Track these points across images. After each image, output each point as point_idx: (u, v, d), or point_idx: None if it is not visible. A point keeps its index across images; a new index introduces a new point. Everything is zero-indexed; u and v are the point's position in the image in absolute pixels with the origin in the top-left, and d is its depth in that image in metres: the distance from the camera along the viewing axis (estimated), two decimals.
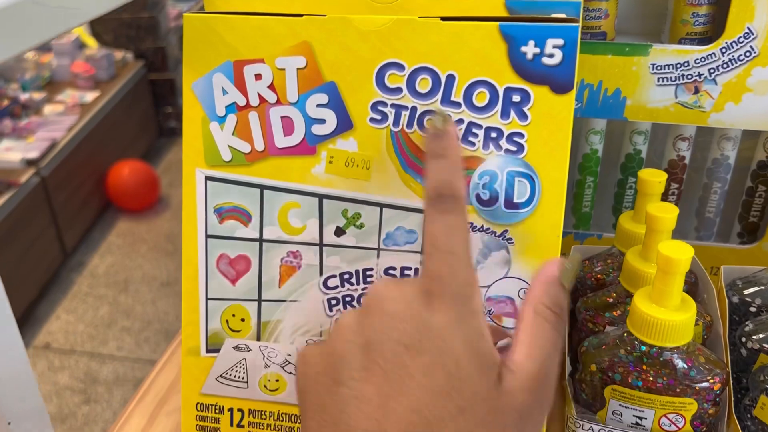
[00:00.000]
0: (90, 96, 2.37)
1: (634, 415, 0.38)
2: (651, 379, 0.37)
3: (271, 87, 0.38)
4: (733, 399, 0.38)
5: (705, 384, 0.36)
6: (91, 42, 2.59)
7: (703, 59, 0.45)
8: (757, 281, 0.43)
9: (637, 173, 0.51)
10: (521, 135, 0.36)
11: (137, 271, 2.22)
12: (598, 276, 0.46)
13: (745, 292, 0.43)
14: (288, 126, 0.38)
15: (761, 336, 0.39)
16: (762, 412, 0.36)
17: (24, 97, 2.28)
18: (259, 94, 0.38)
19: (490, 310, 0.38)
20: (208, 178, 0.40)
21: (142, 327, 2.00)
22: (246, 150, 0.39)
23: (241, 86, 0.38)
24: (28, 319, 1.97)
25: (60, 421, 1.71)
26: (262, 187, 0.39)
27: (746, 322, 0.41)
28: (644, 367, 0.37)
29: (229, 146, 0.39)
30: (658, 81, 0.46)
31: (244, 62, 0.38)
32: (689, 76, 0.46)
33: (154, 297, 2.11)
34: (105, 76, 2.47)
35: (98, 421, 1.71)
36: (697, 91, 0.46)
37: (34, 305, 2.01)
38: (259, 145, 0.39)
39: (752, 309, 0.42)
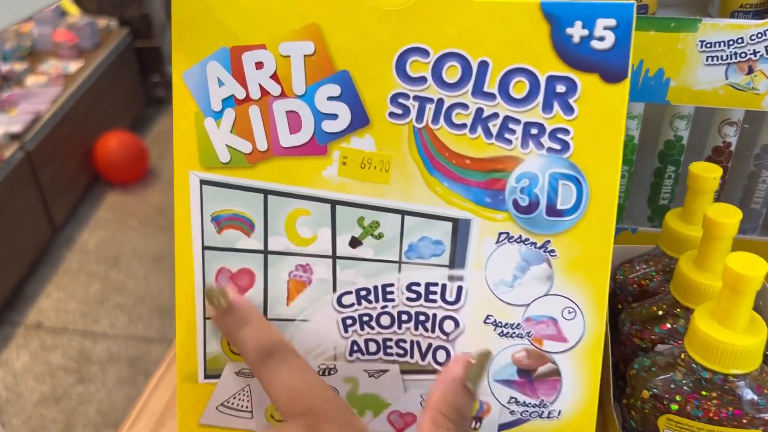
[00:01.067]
0: (73, 66, 2.28)
1: None
2: (714, 409, 0.32)
3: (275, 77, 0.33)
4: None
5: None
6: (73, 9, 2.49)
7: (759, 35, 0.40)
8: None
9: (678, 162, 0.46)
10: (566, 131, 0.31)
11: (128, 246, 2.17)
12: (642, 282, 0.41)
13: None
14: (294, 122, 0.33)
15: None
16: None
17: (5, 68, 2.19)
18: (260, 86, 0.33)
19: (529, 332, 0.33)
20: (203, 182, 0.34)
21: (135, 303, 1.96)
22: (247, 150, 0.34)
23: (240, 76, 0.33)
24: (17, 297, 1.93)
25: (54, 402, 1.68)
26: (266, 192, 0.34)
27: None
28: (705, 394, 0.32)
29: (227, 146, 0.34)
30: (707, 60, 0.41)
31: (243, 48, 0.32)
32: (742, 55, 0.41)
33: (147, 272, 2.07)
34: (88, 45, 2.38)
35: (93, 401, 1.68)
36: (750, 71, 0.41)
37: (23, 283, 1.96)
38: (262, 145, 0.34)
39: None
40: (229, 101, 0.33)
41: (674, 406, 0.33)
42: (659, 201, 0.49)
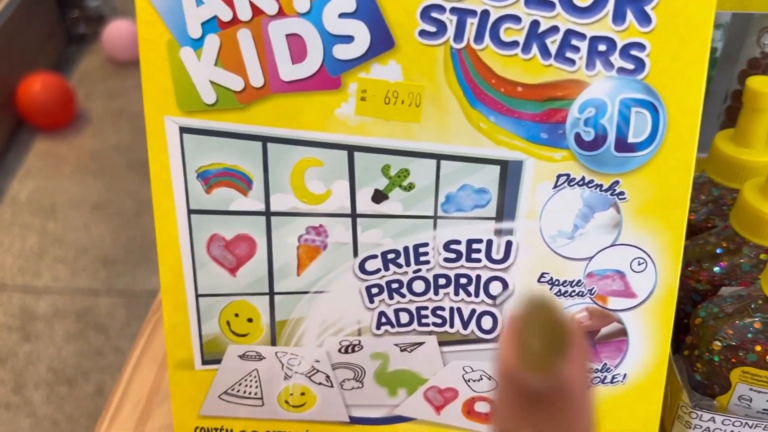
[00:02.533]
0: None
1: (765, 402, 0.30)
2: None
3: None
4: None
5: None
6: None
7: None
8: None
9: (710, 78, 0.41)
10: (642, 46, 0.25)
11: (63, 195, 2.04)
12: (689, 216, 0.36)
13: None
14: (298, 48, 0.26)
15: None
16: None
17: None
18: (250, 2, 0.26)
19: (591, 290, 0.28)
20: (183, 130, 0.27)
21: (77, 255, 1.86)
22: (237, 87, 0.27)
23: None
24: None
25: (0, 363, 1.59)
26: (265, 139, 0.27)
27: None
28: None
29: (211, 82, 0.27)
30: None
31: None
32: None
33: (86, 222, 1.96)
34: None
35: (42, 358, 1.60)
36: None
37: None
38: (256, 79, 0.27)
39: None
40: (212, 24, 0.26)
41: (752, 357, 0.29)
42: None
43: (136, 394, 0.37)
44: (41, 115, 2.17)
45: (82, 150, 2.18)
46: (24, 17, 2.21)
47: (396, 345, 0.30)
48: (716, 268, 0.33)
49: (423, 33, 0.26)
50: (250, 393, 0.31)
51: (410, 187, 0.27)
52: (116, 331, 1.64)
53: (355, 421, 0.31)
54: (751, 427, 0.31)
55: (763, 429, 0.31)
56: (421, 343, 0.30)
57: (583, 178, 0.27)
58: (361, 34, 0.26)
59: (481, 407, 0.30)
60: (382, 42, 0.26)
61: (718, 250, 0.33)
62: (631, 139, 0.26)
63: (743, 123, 0.34)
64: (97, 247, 1.86)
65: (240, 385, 0.31)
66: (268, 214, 0.28)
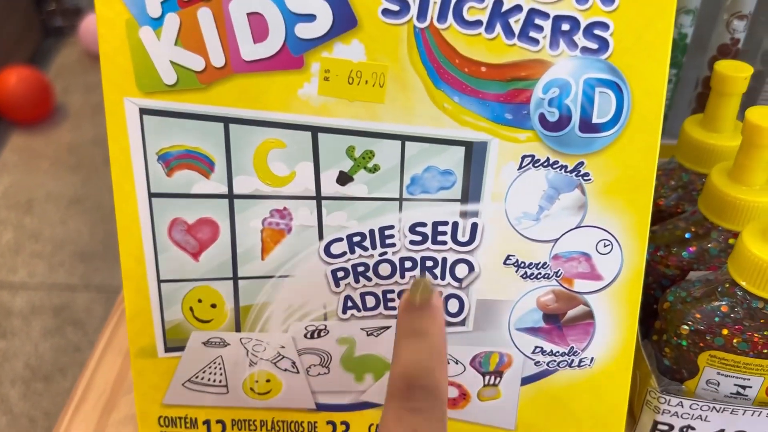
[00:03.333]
0: None
1: (735, 384, 0.30)
2: (763, 341, 0.28)
3: None
4: None
5: None
6: None
7: None
8: None
9: (680, 64, 0.41)
10: (605, 26, 0.25)
11: (40, 189, 2.02)
12: (657, 200, 0.37)
13: None
14: (259, 27, 0.26)
15: None
16: None
17: None
18: None
19: (557, 272, 0.28)
20: (144, 111, 0.27)
21: (54, 250, 1.84)
22: (198, 67, 0.26)
23: None
24: None
25: None
26: (227, 120, 0.27)
27: None
28: (754, 326, 0.28)
29: (171, 62, 0.26)
30: None
31: None
32: None
33: (63, 216, 1.93)
34: None
35: (18, 355, 1.58)
36: None
37: None
38: (218, 59, 0.26)
39: None
40: (172, 3, 0.26)
41: (719, 341, 0.29)
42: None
43: (101, 385, 0.37)
44: (17, 109, 2.14)
45: (59, 144, 2.16)
46: (0, 10, 2.18)
47: (362, 329, 0.29)
48: (685, 253, 0.33)
49: (386, 12, 0.25)
50: (214, 380, 0.30)
51: (375, 168, 0.27)
52: (94, 326, 1.62)
53: (321, 408, 0.31)
54: (718, 411, 0.31)
55: (731, 413, 0.31)
56: (387, 327, 0.29)
57: (547, 159, 0.27)
58: (324, 13, 0.25)
59: (449, 392, 0.30)
60: (345, 21, 0.25)
61: (687, 235, 0.33)
62: (595, 120, 0.26)
63: (711, 108, 0.34)
64: (74, 242, 1.84)
65: (204, 372, 0.30)
66: (231, 197, 0.28)
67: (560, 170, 0.27)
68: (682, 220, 0.34)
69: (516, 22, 0.25)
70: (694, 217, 0.33)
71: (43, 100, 2.19)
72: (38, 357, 1.56)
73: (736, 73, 0.33)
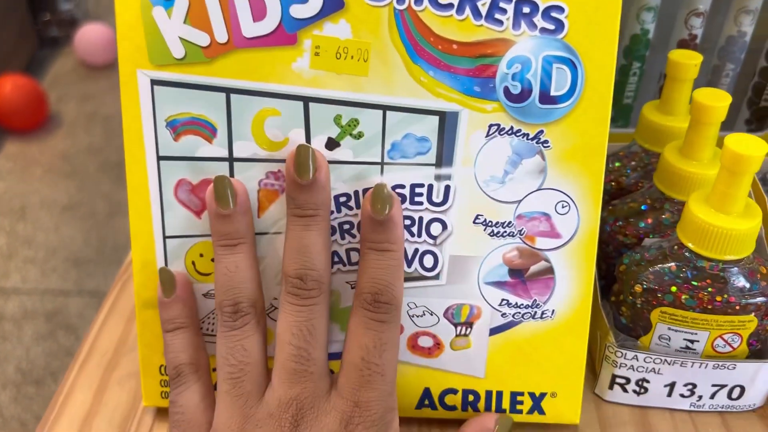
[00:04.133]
0: None
1: (684, 339, 0.34)
2: (707, 297, 0.32)
3: None
4: None
5: (764, 299, 0.32)
6: None
7: None
8: None
9: (643, 58, 0.45)
10: (561, 9, 0.29)
11: (34, 196, 2.04)
12: (619, 179, 0.40)
13: None
14: (258, 7, 0.29)
15: None
16: None
17: None
18: None
19: (521, 230, 0.32)
20: (154, 82, 0.30)
21: (47, 256, 1.85)
22: (204, 42, 0.30)
23: None
24: None
25: None
26: (229, 91, 0.30)
27: None
28: (698, 283, 0.32)
29: (180, 38, 0.30)
30: None
31: None
32: None
33: (57, 223, 1.95)
34: None
35: (10, 358, 1.59)
36: None
37: None
38: (221, 36, 0.30)
39: None
40: None
41: (669, 297, 0.33)
42: (623, 100, 0.47)
43: (103, 346, 0.40)
44: (12, 117, 2.17)
45: (53, 152, 2.18)
46: None
47: (347, 282, 0.33)
48: (641, 224, 0.37)
49: None
50: (213, 330, 0.33)
51: (360, 135, 0.31)
52: (86, 331, 1.64)
53: None
54: (669, 364, 0.34)
55: (681, 365, 0.34)
56: None
57: (511, 128, 0.30)
58: None
59: (424, 342, 0.33)
60: (334, 3, 0.29)
61: (643, 207, 0.37)
62: (553, 93, 0.30)
63: (666, 92, 0.38)
64: (67, 248, 1.86)
65: (204, 323, 0.33)
66: (231, 159, 0.31)
67: (523, 138, 0.30)
68: (640, 195, 0.38)
69: (483, 5, 0.29)
70: (650, 191, 0.37)
71: (37, 109, 2.22)
72: (30, 361, 1.58)
73: (687, 60, 0.36)
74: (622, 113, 0.48)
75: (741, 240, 0.31)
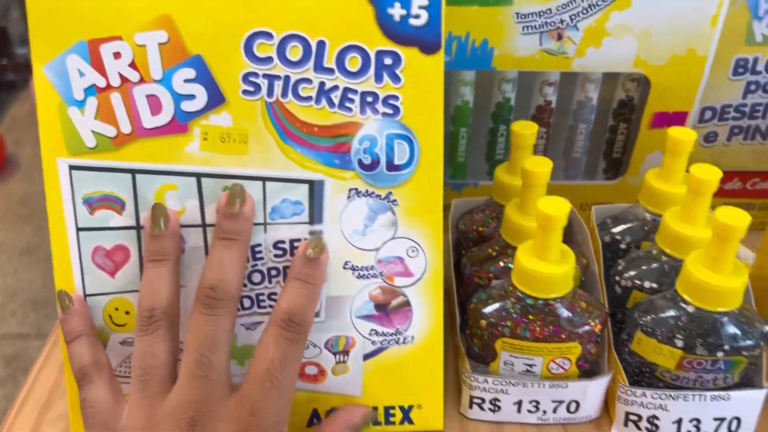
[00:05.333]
0: None
1: (524, 363, 0.41)
2: (538, 329, 0.39)
3: (133, 65, 0.36)
4: (611, 335, 0.42)
5: (587, 327, 0.39)
6: None
7: (564, 6, 0.47)
8: (625, 218, 0.46)
9: (508, 121, 0.53)
10: (396, 97, 0.36)
11: None
12: (479, 229, 0.48)
13: (614, 230, 0.46)
14: (155, 105, 0.36)
15: (632, 273, 0.43)
16: (639, 346, 0.40)
17: None
18: (119, 74, 0.36)
19: (381, 272, 0.39)
20: (72, 168, 0.37)
21: (6, 300, 1.87)
22: (111, 134, 0.36)
23: (99, 66, 0.35)
24: None
25: None
26: (134, 172, 0.37)
27: (618, 261, 0.44)
28: (531, 318, 0.39)
29: (92, 131, 0.36)
30: (523, 30, 0.47)
31: (100, 41, 0.35)
32: (552, 24, 0.47)
33: (15, 267, 1.97)
34: None
35: None
36: (560, 37, 0.48)
37: None
38: (126, 128, 0.36)
39: (622, 246, 0.46)
40: (91, 90, 0.36)
41: (507, 330, 0.40)
42: (495, 157, 0.55)
43: (40, 390, 0.45)
44: None
45: (11, 196, 2.20)
46: None
47: (242, 325, 0.39)
48: (492, 267, 0.44)
49: (245, 92, 0.36)
50: (129, 373, 0.40)
51: None
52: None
53: None
54: (514, 385, 0.41)
55: (524, 386, 0.41)
56: (261, 322, 0.39)
57: (366, 191, 0.37)
58: (201, 94, 0.36)
59: (310, 370, 0.40)
60: (216, 99, 0.36)
61: (494, 254, 0.44)
62: (396, 162, 0.37)
63: (511, 157, 0.46)
64: (26, 291, 1.88)
65: (122, 366, 0.40)
66: (138, 228, 0.38)
67: (376, 198, 0.38)
68: (491, 244, 0.45)
69: (335, 97, 0.36)
70: (498, 240, 0.44)
71: None
72: None
73: (525, 130, 0.44)
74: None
75: (559, 281, 0.38)
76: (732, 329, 0.37)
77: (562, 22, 0.47)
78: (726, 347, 0.37)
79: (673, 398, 0.39)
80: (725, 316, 0.37)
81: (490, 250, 0.44)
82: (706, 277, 0.36)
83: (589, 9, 0.46)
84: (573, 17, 0.47)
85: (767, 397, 0.39)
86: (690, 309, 0.37)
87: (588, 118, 0.54)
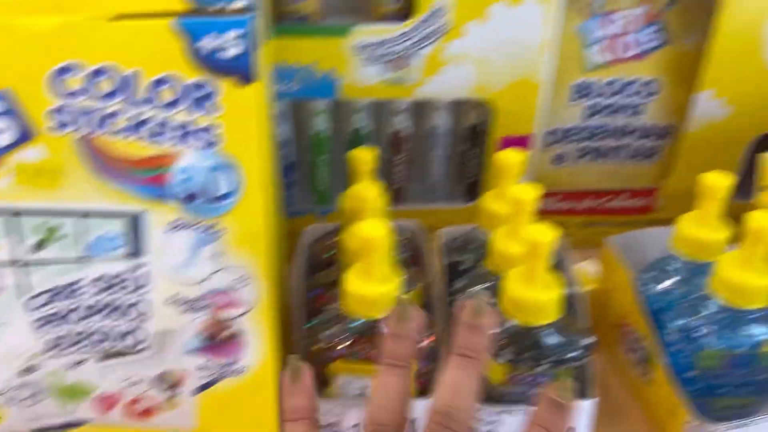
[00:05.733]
0: None
1: (357, 387, 0.40)
2: (367, 350, 0.39)
3: None
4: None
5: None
6: None
7: (402, 36, 0.48)
8: (469, 240, 0.47)
9: (329, 150, 0.54)
10: (214, 128, 0.36)
11: None
12: (328, 256, 0.48)
13: (456, 252, 0.47)
14: None
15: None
16: None
17: None
18: None
19: (209, 304, 0.38)
20: None
21: None
22: None
23: None
24: None
25: None
26: None
27: (457, 281, 0.45)
28: (360, 339, 0.39)
29: None
30: (364, 61, 0.48)
31: None
32: (392, 54, 0.48)
33: None
34: None
35: None
36: (400, 67, 0.49)
37: None
38: None
39: (461, 268, 0.46)
40: None
41: (339, 353, 0.39)
42: (319, 186, 0.56)
43: None
44: None
45: None
46: None
47: (65, 363, 0.38)
48: (330, 292, 0.44)
49: (54, 127, 0.35)
50: None
51: (62, 237, 0.37)
52: None
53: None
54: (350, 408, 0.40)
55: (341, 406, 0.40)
56: (87, 359, 0.38)
57: (190, 222, 0.37)
58: (11, 128, 0.35)
59: (140, 406, 0.39)
60: (27, 133, 0.35)
61: (333, 279, 0.44)
62: (219, 192, 0.37)
63: (349, 184, 0.46)
64: None
65: None
66: None
67: (201, 229, 0.37)
68: (333, 269, 0.45)
69: (150, 129, 0.36)
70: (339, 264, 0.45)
71: None
72: None
73: (363, 157, 0.45)
74: (322, 198, 0.57)
75: (380, 301, 0.38)
76: (553, 341, 0.38)
77: (400, 52, 0.48)
78: (549, 360, 0.38)
79: (507, 413, 0.39)
80: (545, 329, 0.37)
81: (330, 276, 0.44)
82: (521, 293, 0.37)
83: (426, 38, 0.48)
84: (412, 47, 0.48)
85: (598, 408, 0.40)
86: (511, 324, 0.38)
87: (442, 144, 0.55)
